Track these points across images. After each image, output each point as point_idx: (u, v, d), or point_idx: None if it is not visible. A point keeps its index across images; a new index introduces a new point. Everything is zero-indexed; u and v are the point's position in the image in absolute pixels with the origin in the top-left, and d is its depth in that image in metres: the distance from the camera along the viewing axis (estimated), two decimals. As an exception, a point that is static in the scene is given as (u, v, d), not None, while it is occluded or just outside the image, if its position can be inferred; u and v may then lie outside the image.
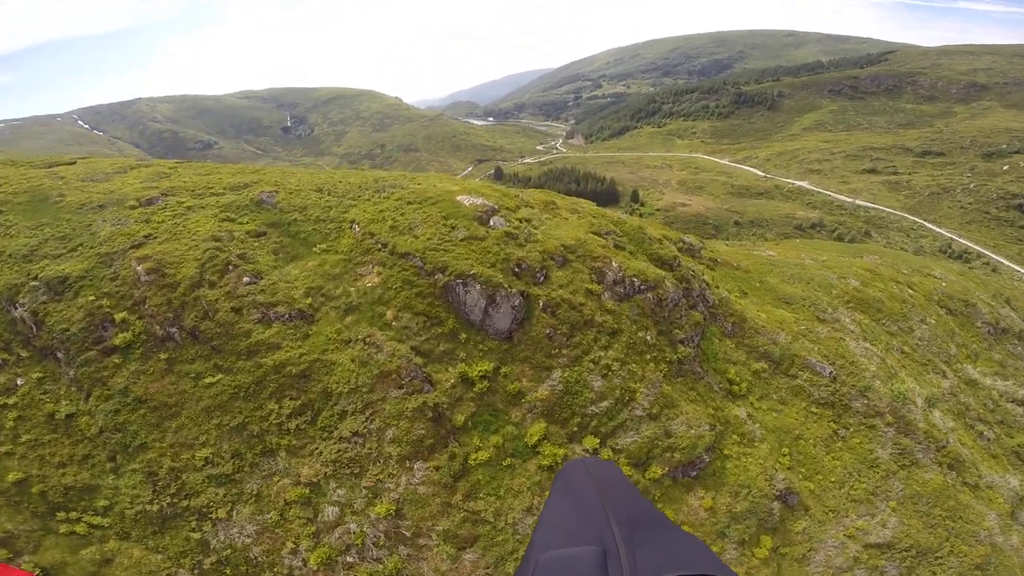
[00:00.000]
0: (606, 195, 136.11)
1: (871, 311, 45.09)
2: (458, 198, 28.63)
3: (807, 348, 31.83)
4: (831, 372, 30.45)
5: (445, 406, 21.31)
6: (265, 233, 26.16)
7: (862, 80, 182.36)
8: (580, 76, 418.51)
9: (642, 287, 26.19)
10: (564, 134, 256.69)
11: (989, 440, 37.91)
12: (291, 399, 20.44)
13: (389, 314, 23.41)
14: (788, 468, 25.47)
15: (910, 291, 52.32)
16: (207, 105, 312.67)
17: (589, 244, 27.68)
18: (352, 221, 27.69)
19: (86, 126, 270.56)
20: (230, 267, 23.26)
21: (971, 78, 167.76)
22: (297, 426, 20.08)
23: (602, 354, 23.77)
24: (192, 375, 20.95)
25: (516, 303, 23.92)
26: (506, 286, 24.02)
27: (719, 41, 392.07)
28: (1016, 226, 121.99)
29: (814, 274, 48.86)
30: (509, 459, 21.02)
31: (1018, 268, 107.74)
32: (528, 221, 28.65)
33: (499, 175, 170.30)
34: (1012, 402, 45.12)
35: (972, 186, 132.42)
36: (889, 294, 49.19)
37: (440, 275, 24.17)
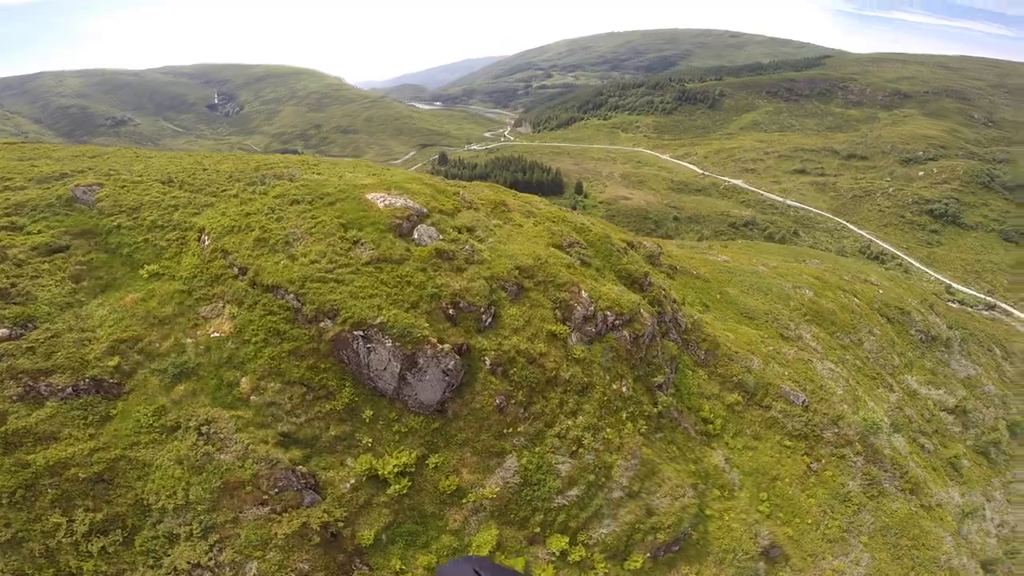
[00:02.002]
0: (552, 185, 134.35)
1: (826, 324, 44.67)
2: (369, 196, 20.84)
3: (779, 374, 30.00)
4: (804, 401, 28.74)
5: (342, 522, 15.15)
6: (67, 248, 18.43)
7: (798, 83, 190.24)
8: (532, 65, 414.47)
9: (616, 322, 21.55)
10: (513, 122, 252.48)
11: (929, 452, 38.36)
12: (86, 511, 14.12)
13: (245, 383, 16.12)
14: (768, 516, 23.28)
15: (856, 300, 52.88)
16: (124, 80, 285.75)
17: (551, 264, 22.40)
18: (200, 230, 19.68)
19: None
20: (-27, 312, 15.61)
21: (896, 86, 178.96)
22: (103, 548, 13.89)
23: (570, 423, 18.38)
24: (-78, 472, 14.38)
25: (450, 365, 16.86)
26: (434, 340, 16.93)
27: (668, 38, 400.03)
28: (927, 230, 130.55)
29: (771, 283, 48.00)
30: (448, 582, 15.92)
31: (927, 270, 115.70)
32: (471, 231, 21.91)
33: (444, 160, 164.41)
34: (944, 411, 46.44)
35: (891, 190, 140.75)
36: (840, 304, 49.27)
37: (328, 322, 16.50)
